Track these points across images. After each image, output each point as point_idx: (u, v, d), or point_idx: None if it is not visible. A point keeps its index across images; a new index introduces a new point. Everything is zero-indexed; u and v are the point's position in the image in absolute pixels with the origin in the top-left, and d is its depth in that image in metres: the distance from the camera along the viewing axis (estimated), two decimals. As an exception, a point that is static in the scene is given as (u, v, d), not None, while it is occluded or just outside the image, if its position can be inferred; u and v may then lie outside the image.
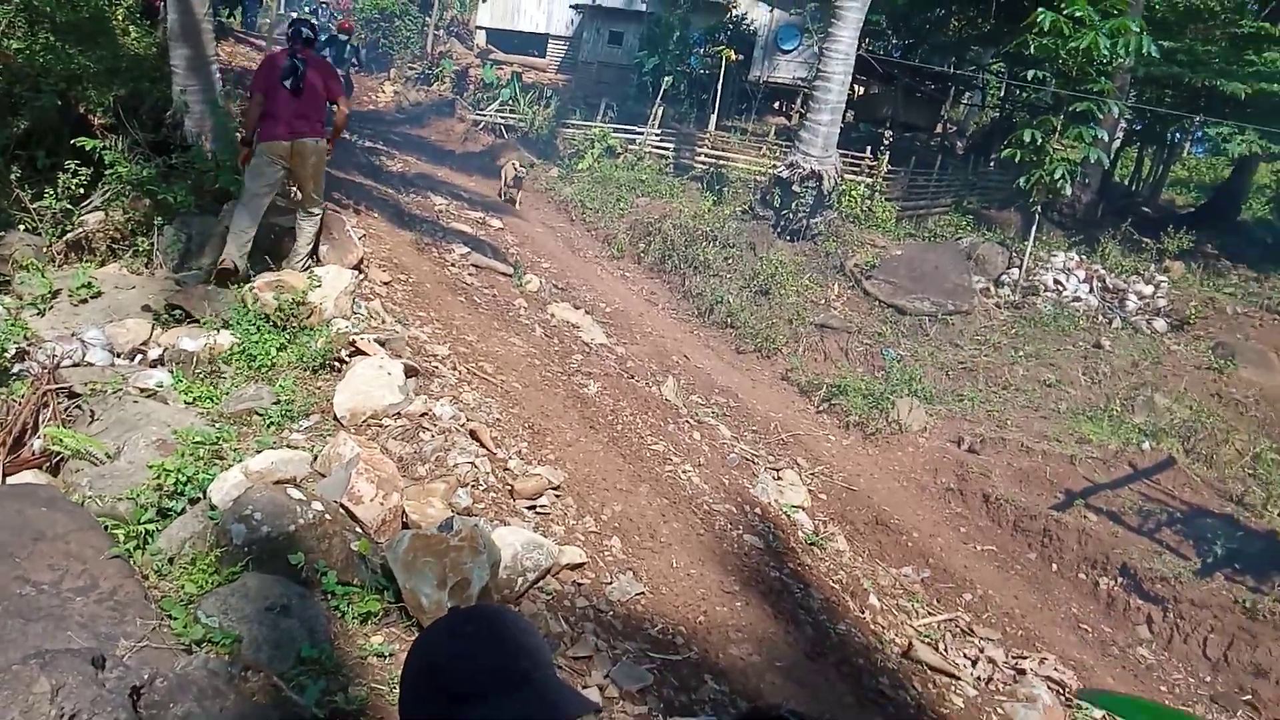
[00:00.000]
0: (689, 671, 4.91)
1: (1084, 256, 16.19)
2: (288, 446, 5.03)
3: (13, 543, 3.49)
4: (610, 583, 5.29)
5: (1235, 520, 9.15)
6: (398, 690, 1.49)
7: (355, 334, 6.42)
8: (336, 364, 6.11)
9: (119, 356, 6.00)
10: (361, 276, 7.76)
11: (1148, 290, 14.95)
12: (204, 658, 3.03)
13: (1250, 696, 7.06)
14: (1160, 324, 14.14)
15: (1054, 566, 8.53)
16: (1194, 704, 7.04)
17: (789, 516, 7.71)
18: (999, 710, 6.12)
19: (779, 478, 8.43)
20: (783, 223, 14.20)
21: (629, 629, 5.01)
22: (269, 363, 6.00)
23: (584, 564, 5.28)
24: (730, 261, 13.05)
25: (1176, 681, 7.31)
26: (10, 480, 4.49)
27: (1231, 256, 19.32)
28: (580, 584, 5.14)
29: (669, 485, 6.89)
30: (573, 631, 4.72)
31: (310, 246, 7.38)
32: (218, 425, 5.14)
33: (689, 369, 10.10)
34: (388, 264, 8.55)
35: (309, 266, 7.29)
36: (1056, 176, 14.84)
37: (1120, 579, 8.17)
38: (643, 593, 5.35)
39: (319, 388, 5.86)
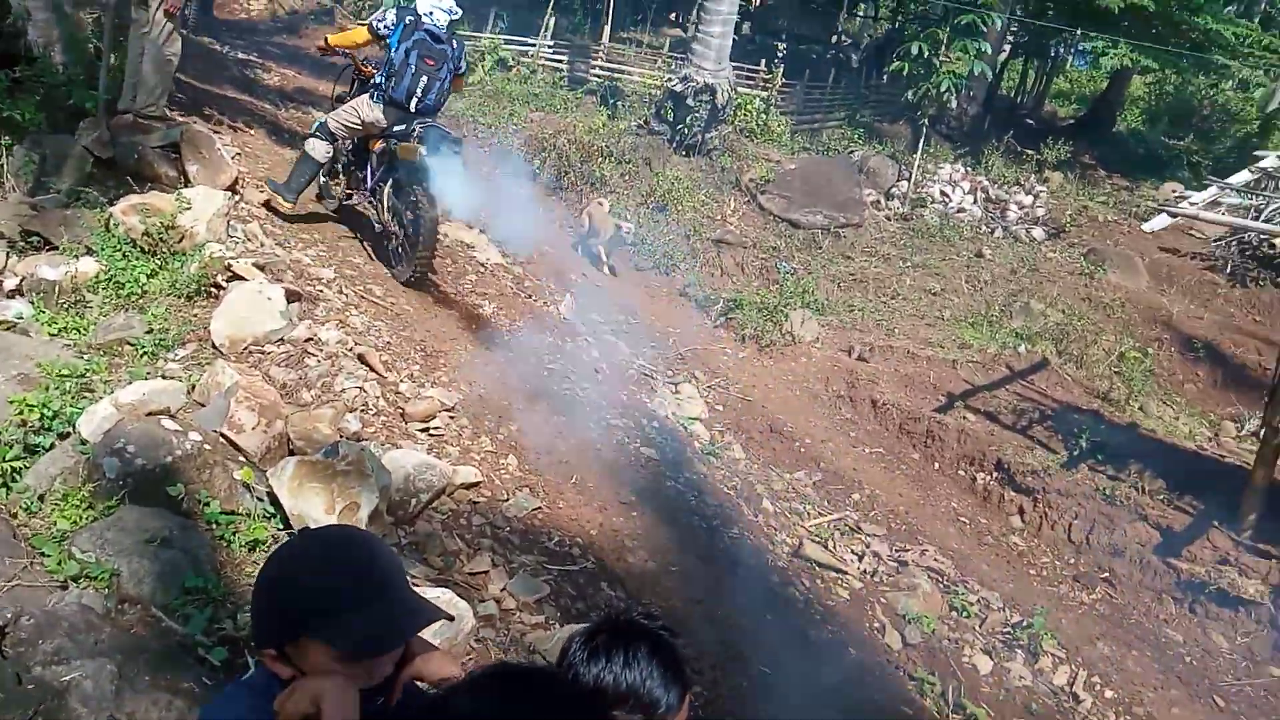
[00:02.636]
0: (586, 580, 5.05)
1: (969, 168, 16.70)
2: (162, 377, 4.84)
3: None
4: (507, 500, 5.34)
5: (1099, 415, 9.82)
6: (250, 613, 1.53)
7: (231, 258, 6.15)
8: (212, 290, 5.85)
9: (-31, 288, 5.60)
10: (236, 198, 7.38)
11: (1028, 200, 15.57)
12: (77, 593, 2.96)
13: (1107, 574, 7.71)
14: (1038, 232, 14.81)
15: (936, 465, 9.03)
16: (1058, 583, 7.65)
17: (686, 428, 7.90)
18: (882, 599, 6.52)
19: (677, 391, 8.59)
20: (678, 138, 14.11)
21: (526, 543, 5.10)
22: (139, 290, 5.69)
23: (480, 483, 5.31)
24: (627, 178, 12.94)
25: (1044, 564, 7.91)
26: None
27: (1106, 166, 20.26)
28: (476, 502, 5.17)
29: (567, 403, 6.93)
30: (469, 549, 4.77)
31: (159, 82, 7.16)
32: (85, 357, 4.89)
33: (587, 288, 10.07)
34: (265, 185, 8.15)
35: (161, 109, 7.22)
36: (943, 89, 15.17)
37: (995, 474, 8.72)
38: (539, 508, 5.43)
39: (194, 315, 5.62)
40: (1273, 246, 14.04)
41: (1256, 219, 13.58)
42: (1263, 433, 8.04)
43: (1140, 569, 7.60)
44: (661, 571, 5.48)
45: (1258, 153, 16.36)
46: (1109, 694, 6.20)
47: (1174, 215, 11.29)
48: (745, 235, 12.82)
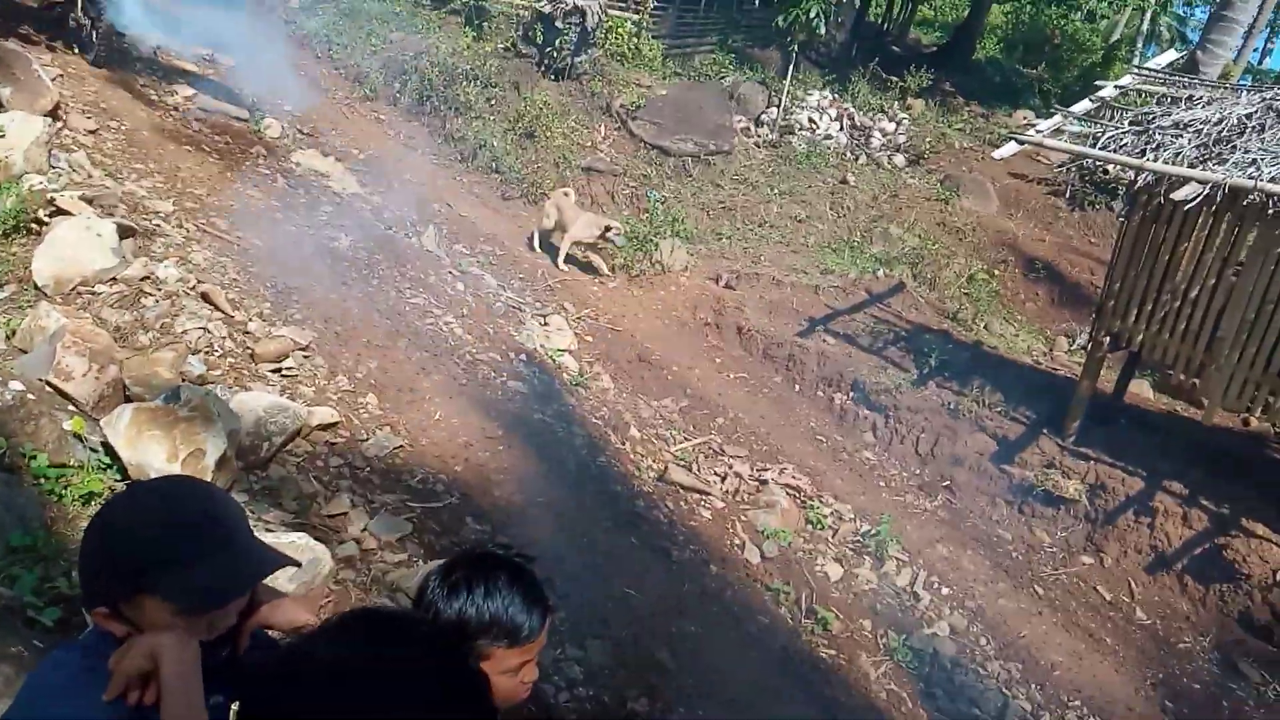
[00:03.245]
0: (450, 517, 5.08)
1: (837, 95, 16.98)
2: (-24, 322, 4.51)
3: None
4: (366, 439, 5.29)
5: (948, 334, 10.41)
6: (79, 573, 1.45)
7: (55, 191, 5.72)
8: (33, 226, 5.43)
9: None
10: (59, 124, 6.82)
11: (890, 127, 16.01)
12: (-121, 560, 2.78)
13: (949, 482, 8.30)
14: (899, 159, 15.30)
15: (796, 387, 9.41)
16: (905, 493, 8.19)
17: (555, 360, 7.93)
18: (743, 517, 6.83)
19: (545, 323, 8.58)
20: (547, 61, 13.75)
21: (388, 482, 5.07)
22: (-55, 228, 5.24)
23: (337, 423, 5.23)
24: (493, 103, 12.57)
25: (893, 476, 8.44)
26: None
27: (965, 94, 20.96)
28: (334, 443, 5.10)
29: (430, 338, 6.84)
30: (326, 490, 4.72)
31: None
32: (-116, 303, 4.50)
33: (452, 218, 9.84)
34: (93, 109, 7.54)
35: None
36: (813, 15, 15.25)
37: (851, 393, 9.16)
38: (401, 446, 5.39)
39: (13, 254, 5.21)
40: (1106, 172, 14.98)
41: (1094, 146, 14.43)
42: (1089, 346, 8.72)
43: (978, 476, 8.22)
44: (528, 503, 5.56)
45: (1099, 83, 17.27)
46: (945, 591, 6.75)
47: (1021, 143, 11.80)
48: (616, 163, 12.74)
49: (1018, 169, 15.71)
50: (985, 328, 11.20)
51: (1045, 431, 8.44)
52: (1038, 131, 13.21)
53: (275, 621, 1.62)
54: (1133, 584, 7.11)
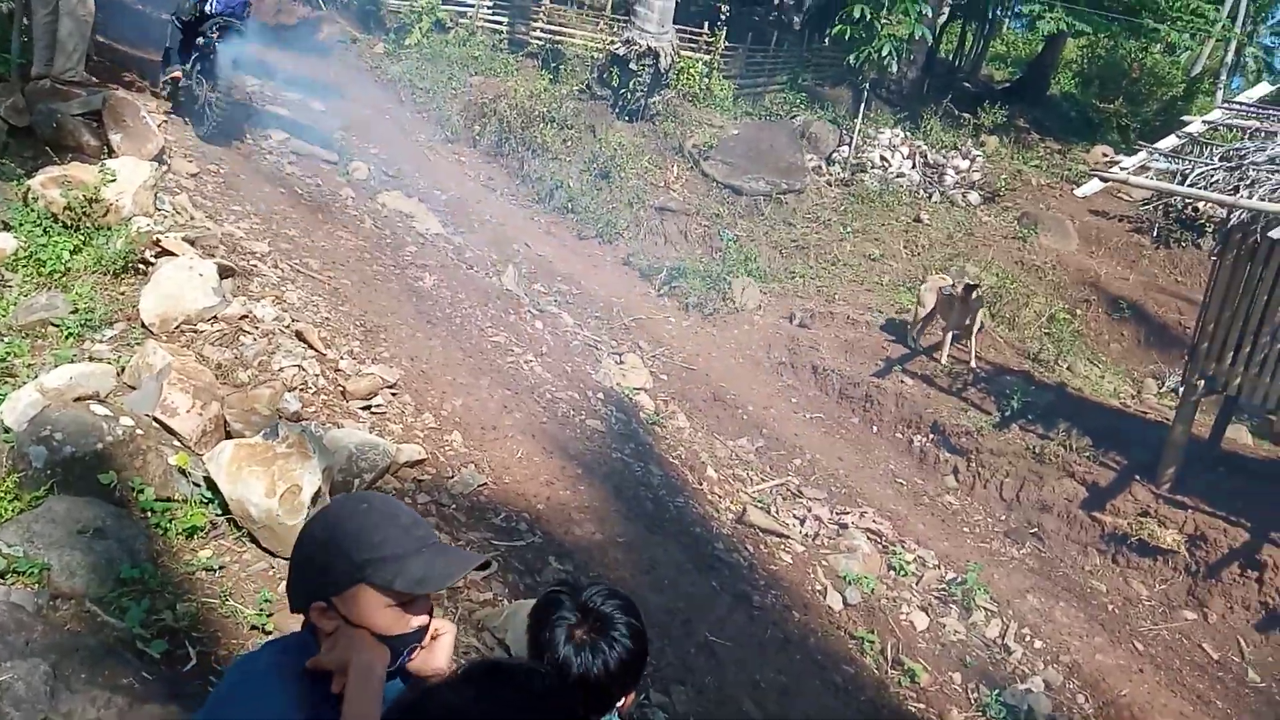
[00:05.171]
0: (534, 555, 5.08)
1: (909, 133, 16.85)
2: (90, 359, 4.69)
3: None
4: (452, 477, 5.33)
5: (1030, 375, 10.12)
6: (290, 577, 1.63)
7: (160, 232, 5.96)
8: (141, 266, 5.67)
9: (-123, 268, 5.34)
10: (164, 168, 7.14)
11: (964, 165, 15.80)
12: (5, 590, 2.88)
13: (1036, 529, 8.01)
14: (974, 196, 15.07)
15: (874, 428, 9.23)
16: (990, 540, 7.93)
17: (631, 398, 7.94)
18: (824, 562, 6.69)
19: (621, 361, 8.62)
20: (621, 102, 13.96)
21: (473, 520, 5.10)
22: (61, 268, 5.48)
23: (424, 460, 5.29)
24: (569, 144, 12.79)
25: (977, 522, 8.19)
26: None
27: (1040, 130, 20.61)
28: (421, 480, 5.15)
29: (511, 376, 6.92)
30: (414, 527, 4.76)
31: (76, 44, 7.18)
32: (5, 339, 4.71)
33: (530, 257, 10.00)
34: (194, 154, 7.90)
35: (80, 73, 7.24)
36: (884, 53, 15.21)
37: (931, 435, 8.95)
38: (485, 484, 5.43)
39: (122, 293, 5.44)
40: (1195, 210, 14.50)
41: (1183, 183, 13.99)
42: (1182, 389, 8.38)
43: (1067, 523, 7.91)
44: (609, 543, 5.54)
45: (1185, 118, 16.77)
46: (1038, 644, 6.48)
47: (1106, 180, 11.52)
48: (688, 202, 12.81)
49: (1098, 206, 15.33)
50: (1068, 369, 10.86)
51: (1138, 478, 8.11)
52: (1123, 169, 12.84)
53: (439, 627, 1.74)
54: (1242, 642, 6.73)
